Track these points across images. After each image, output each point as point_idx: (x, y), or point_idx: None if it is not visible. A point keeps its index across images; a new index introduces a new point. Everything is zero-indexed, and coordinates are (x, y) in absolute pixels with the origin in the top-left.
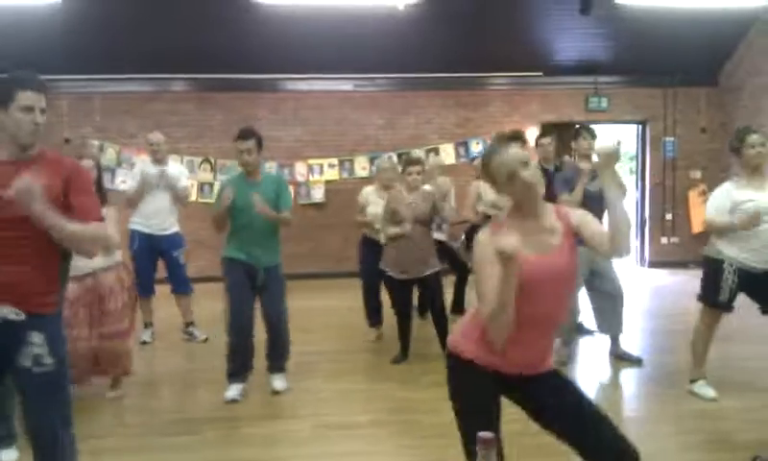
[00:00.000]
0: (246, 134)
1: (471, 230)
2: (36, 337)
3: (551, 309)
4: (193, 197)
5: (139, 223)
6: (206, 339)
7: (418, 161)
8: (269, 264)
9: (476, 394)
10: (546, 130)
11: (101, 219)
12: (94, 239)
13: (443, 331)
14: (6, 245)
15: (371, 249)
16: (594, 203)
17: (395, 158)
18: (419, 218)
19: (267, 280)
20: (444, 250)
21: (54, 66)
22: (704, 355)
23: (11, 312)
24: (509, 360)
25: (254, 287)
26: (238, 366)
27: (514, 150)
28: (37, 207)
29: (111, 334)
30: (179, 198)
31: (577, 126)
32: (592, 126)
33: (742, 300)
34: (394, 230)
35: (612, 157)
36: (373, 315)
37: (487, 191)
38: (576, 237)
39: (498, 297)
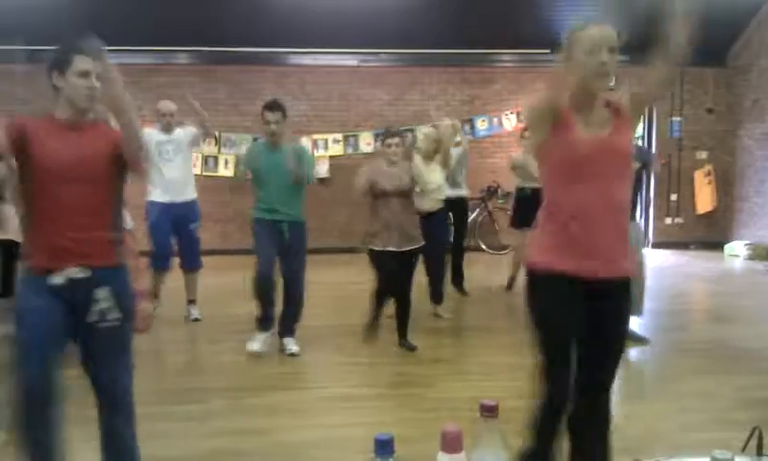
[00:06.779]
0: (273, 106)
1: (522, 204)
2: (101, 293)
3: (612, 189)
4: (198, 170)
5: (156, 193)
6: (197, 320)
7: (397, 133)
8: (292, 219)
9: (553, 299)
10: None
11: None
12: (143, 139)
13: (404, 316)
14: (65, 205)
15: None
16: None
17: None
18: (403, 191)
19: (290, 237)
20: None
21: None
22: None
23: (75, 272)
24: (583, 251)
25: (280, 247)
26: (264, 313)
27: (609, 32)
28: (118, 91)
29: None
30: (207, 133)
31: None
32: None
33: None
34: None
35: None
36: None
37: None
38: (628, 117)
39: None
